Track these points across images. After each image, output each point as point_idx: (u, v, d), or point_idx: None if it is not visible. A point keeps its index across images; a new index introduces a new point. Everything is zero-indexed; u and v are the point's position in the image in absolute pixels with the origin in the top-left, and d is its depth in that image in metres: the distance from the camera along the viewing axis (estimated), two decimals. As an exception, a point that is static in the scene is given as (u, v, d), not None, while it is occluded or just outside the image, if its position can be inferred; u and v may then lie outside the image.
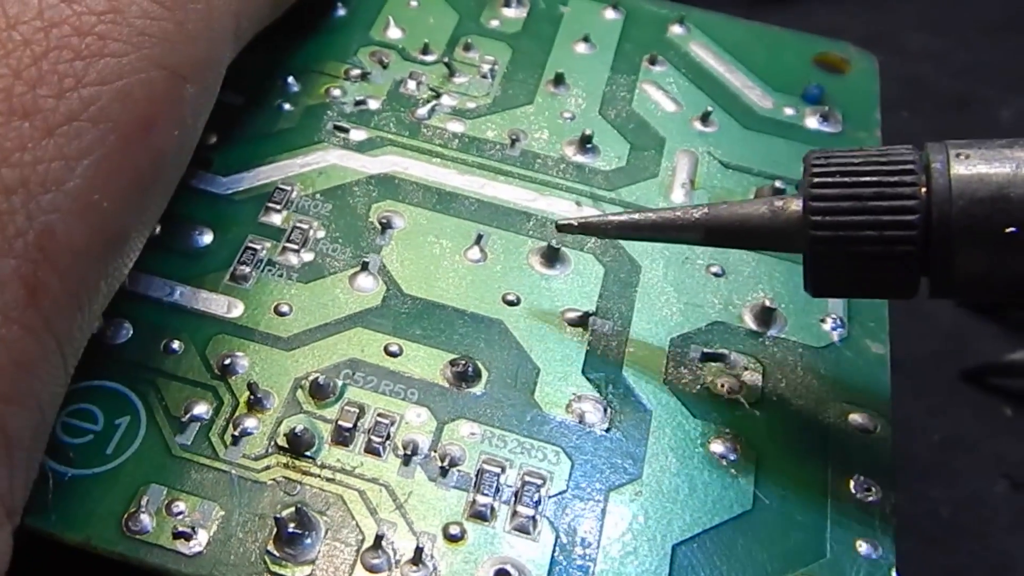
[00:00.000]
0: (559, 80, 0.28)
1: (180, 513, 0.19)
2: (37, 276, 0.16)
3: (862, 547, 0.20)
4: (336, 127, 0.26)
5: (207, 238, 0.24)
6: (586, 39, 0.30)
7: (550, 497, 0.20)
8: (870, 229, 0.19)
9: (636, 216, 0.22)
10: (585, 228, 0.22)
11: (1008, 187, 0.18)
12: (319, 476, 0.20)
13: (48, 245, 0.17)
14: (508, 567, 0.19)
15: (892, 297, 0.21)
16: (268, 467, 0.20)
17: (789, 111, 0.29)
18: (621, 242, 0.25)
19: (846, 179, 0.19)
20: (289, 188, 0.25)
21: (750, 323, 0.24)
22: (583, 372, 0.22)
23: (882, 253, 0.19)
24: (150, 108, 0.19)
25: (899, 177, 0.19)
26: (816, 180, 0.20)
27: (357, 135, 0.26)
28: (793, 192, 0.26)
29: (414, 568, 0.19)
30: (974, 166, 0.19)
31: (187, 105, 0.20)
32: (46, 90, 0.17)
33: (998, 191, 0.18)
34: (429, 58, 0.29)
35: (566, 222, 0.22)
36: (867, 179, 0.19)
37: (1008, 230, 0.18)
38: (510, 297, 0.23)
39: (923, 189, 0.19)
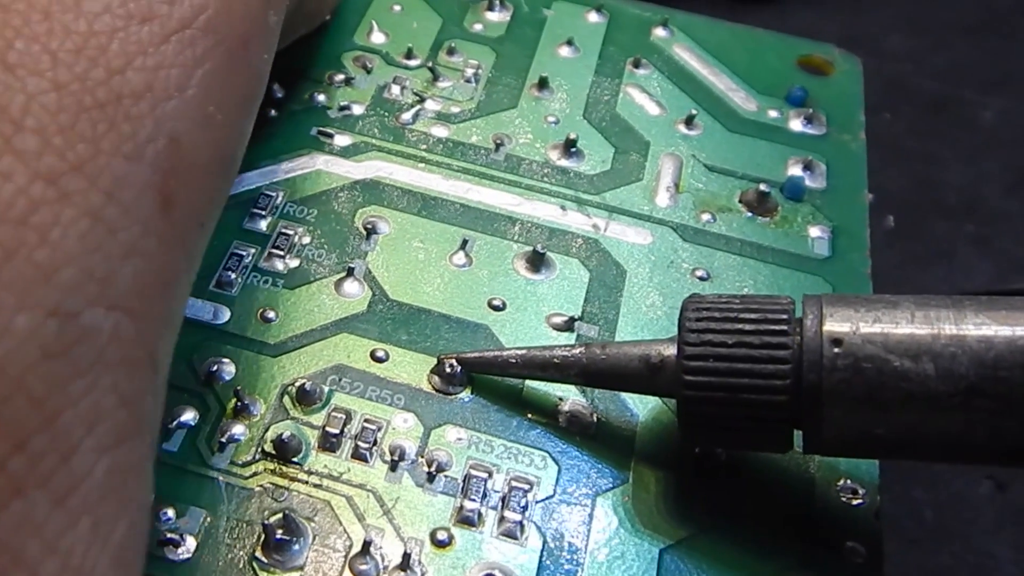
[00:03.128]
0: (543, 84, 0.28)
1: (167, 520, 0.19)
2: (168, 185, 0.16)
3: (849, 551, 0.20)
4: (321, 133, 0.26)
5: (192, 244, 0.24)
6: (570, 42, 0.30)
7: (537, 502, 0.20)
8: (743, 392, 0.19)
9: (517, 354, 0.22)
10: (464, 364, 0.22)
11: (881, 350, 0.18)
12: (306, 482, 0.20)
13: (175, 154, 0.16)
14: (496, 572, 0.19)
15: (765, 451, 0.21)
16: (255, 473, 0.20)
17: (773, 113, 0.29)
18: (607, 246, 0.25)
19: (719, 338, 0.19)
20: (274, 194, 0.25)
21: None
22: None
23: (752, 415, 0.19)
24: (245, 26, 0.19)
25: (770, 337, 0.19)
26: (689, 346, 0.19)
27: (342, 140, 0.26)
28: (776, 194, 0.26)
29: (402, 574, 0.19)
30: (846, 323, 0.18)
31: (272, 32, 0.20)
32: None
33: (870, 352, 0.18)
34: (413, 63, 0.29)
35: (449, 359, 0.22)
36: (738, 349, 0.19)
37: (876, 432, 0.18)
38: (496, 302, 0.23)
39: (797, 340, 0.19)
